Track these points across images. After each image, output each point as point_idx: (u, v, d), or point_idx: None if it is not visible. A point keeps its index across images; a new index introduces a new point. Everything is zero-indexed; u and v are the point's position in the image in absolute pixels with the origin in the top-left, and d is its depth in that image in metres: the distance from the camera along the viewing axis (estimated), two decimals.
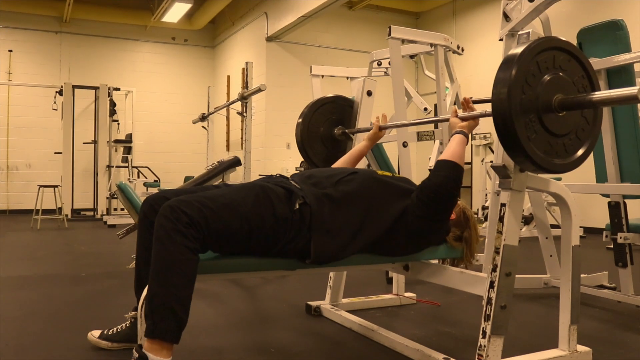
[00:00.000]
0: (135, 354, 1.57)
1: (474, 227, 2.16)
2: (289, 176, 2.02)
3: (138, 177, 9.90)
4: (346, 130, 2.88)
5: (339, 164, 2.52)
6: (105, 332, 2.17)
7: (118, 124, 9.89)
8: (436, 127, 3.62)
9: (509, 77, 1.58)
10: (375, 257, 2.03)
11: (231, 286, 3.48)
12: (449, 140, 2.04)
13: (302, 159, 7.15)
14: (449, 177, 1.91)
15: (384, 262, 2.11)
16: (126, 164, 9.60)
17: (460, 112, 2.08)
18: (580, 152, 1.74)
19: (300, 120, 2.87)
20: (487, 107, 1.76)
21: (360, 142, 2.67)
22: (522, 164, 1.72)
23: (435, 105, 4.13)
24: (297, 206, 1.80)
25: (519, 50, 1.61)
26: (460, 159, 1.94)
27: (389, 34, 3.28)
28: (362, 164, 2.82)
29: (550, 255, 3.21)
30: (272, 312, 2.88)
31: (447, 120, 2.15)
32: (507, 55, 1.63)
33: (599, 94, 1.63)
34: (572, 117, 1.69)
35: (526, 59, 1.59)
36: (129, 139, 9.90)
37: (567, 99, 1.65)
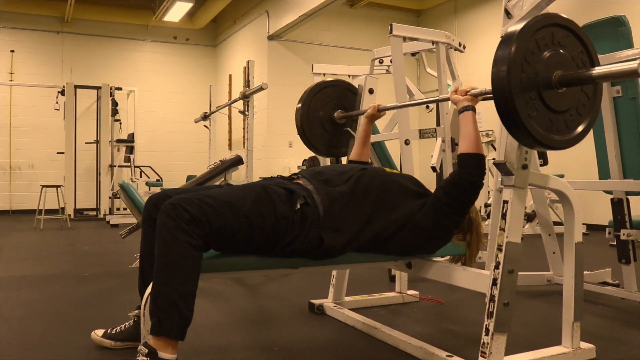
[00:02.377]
0: (144, 350, 1.57)
1: (476, 231, 2.15)
2: (294, 173, 2.03)
3: (140, 176, 9.90)
4: (347, 114, 2.85)
5: (354, 151, 2.54)
6: (108, 331, 2.17)
7: (120, 123, 9.89)
8: (438, 124, 3.61)
9: (508, 55, 1.57)
10: (379, 254, 2.03)
11: (234, 285, 3.48)
12: (456, 123, 2.02)
13: (305, 158, 7.15)
14: (477, 173, 1.91)
15: (386, 259, 2.11)
16: (128, 164, 9.60)
17: (461, 89, 2.04)
18: (581, 127, 1.74)
19: (299, 105, 2.84)
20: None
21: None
22: (524, 141, 1.72)
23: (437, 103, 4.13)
24: (298, 206, 1.80)
25: (517, 27, 1.60)
26: (480, 145, 1.93)
27: (391, 32, 3.27)
28: None
29: (553, 252, 3.21)
30: (275, 310, 2.88)
31: (446, 99, 2.13)
32: (506, 34, 1.63)
33: (598, 69, 1.62)
34: (572, 93, 1.69)
35: (525, 37, 1.59)
36: (131, 138, 9.91)
37: (567, 75, 1.64)
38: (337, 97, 2.89)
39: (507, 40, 1.60)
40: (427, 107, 4.85)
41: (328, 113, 2.87)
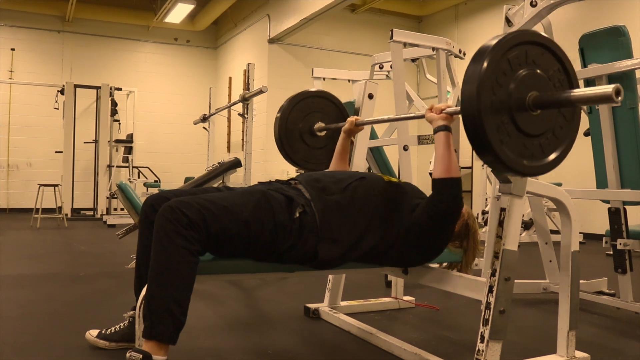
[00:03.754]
0: (137, 355, 1.56)
1: (473, 238, 2.13)
2: (292, 178, 2.02)
3: (138, 177, 9.90)
4: (327, 126, 2.79)
5: (332, 165, 2.51)
6: (103, 331, 2.16)
7: (119, 123, 9.88)
8: None
9: (479, 75, 1.47)
10: (375, 265, 2.02)
11: (230, 288, 3.48)
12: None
13: None
14: (452, 200, 1.85)
15: (383, 265, 2.11)
16: (127, 164, 9.60)
17: (436, 106, 1.94)
18: (557, 152, 1.63)
19: (278, 114, 2.74)
20: None
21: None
22: (494, 167, 1.63)
23: None
24: (297, 215, 1.80)
25: (489, 46, 1.50)
26: (454, 168, 1.84)
27: (391, 37, 3.28)
28: (362, 168, 2.82)
29: (550, 261, 3.21)
30: (270, 314, 2.88)
31: (422, 117, 2.03)
32: (475, 54, 1.53)
33: (577, 92, 1.50)
34: (548, 115, 1.59)
35: (496, 56, 1.49)
36: (129, 139, 9.90)
37: (542, 97, 1.54)
38: (318, 109, 2.80)
39: (477, 59, 1.51)
40: None
41: (308, 125, 2.77)
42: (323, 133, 2.82)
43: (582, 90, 1.50)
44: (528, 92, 1.54)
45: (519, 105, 1.53)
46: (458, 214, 1.91)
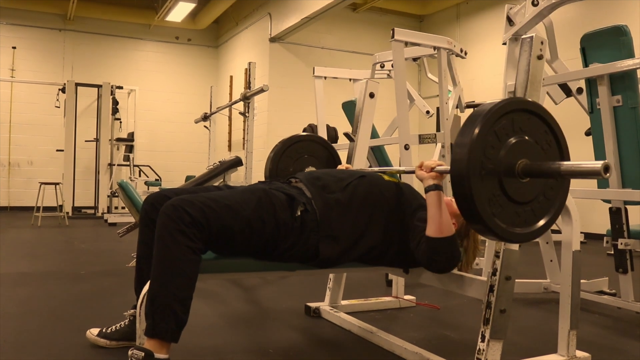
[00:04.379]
0: (139, 353, 1.56)
1: (473, 237, 2.12)
2: (292, 176, 2.02)
3: (139, 175, 9.90)
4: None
5: None
6: (104, 330, 2.16)
7: (120, 122, 9.89)
8: (438, 130, 3.62)
9: (467, 157, 1.46)
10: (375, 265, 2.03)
11: (231, 286, 3.48)
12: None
13: None
14: (449, 256, 1.81)
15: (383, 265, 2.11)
16: (128, 163, 9.61)
17: (426, 163, 1.89)
18: (548, 216, 1.62)
19: (271, 154, 2.76)
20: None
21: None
22: (486, 236, 1.63)
23: (438, 109, 4.13)
24: (299, 213, 1.80)
25: (478, 117, 1.50)
26: (448, 228, 1.80)
27: (393, 37, 3.28)
28: (363, 167, 2.82)
29: (551, 260, 3.21)
30: (271, 312, 2.88)
31: (412, 172, 2.02)
32: (460, 131, 1.52)
33: (566, 165, 1.50)
34: (538, 179, 1.58)
35: (482, 134, 1.49)
36: (130, 137, 9.91)
37: (532, 167, 1.53)
38: (309, 152, 2.81)
39: (460, 145, 1.50)
40: (428, 112, 4.85)
41: (298, 169, 2.78)
42: None
43: (570, 164, 1.50)
44: (517, 160, 1.54)
45: (508, 174, 1.53)
46: (456, 264, 1.88)
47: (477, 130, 1.48)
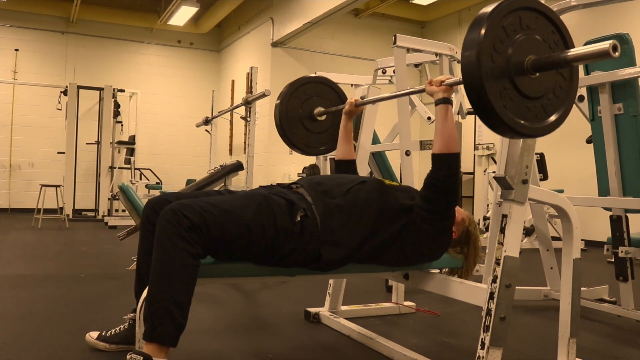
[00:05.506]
0: (138, 357, 1.56)
1: (474, 244, 2.13)
2: (293, 182, 2.02)
3: (140, 178, 9.91)
4: (326, 110, 2.81)
5: (339, 150, 2.50)
6: (103, 333, 2.16)
7: (122, 125, 9.90)
8: None
9: (477, 44, 1.49)
10: (376, 265, 2.03)
11: (231, 291, 3.48)
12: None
13: (305, 166, 7.15)
14: (450, 174, 1.87)
15: (384, 270, 2.11)
16: (129, 166, 9.61)
17: (436, 79, 1.95)
18: (558, 113, 1.65)
19: (278, 101, 2.76)
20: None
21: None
22: (501, 133, 1.65)
23: None
24: (298, 218, 1.80)
25: (485, 14, 1.53)
26: (454, 143, 1.87)
27: (394, 43, 3.28)
28: (365, 173, 2.82)
29: (551, 268, 3.21)
30: (271, 317, 2.88)
31: (422, 91, 2.05)
32: (472, 24, 1.55)
33: (573, 51, 1.53)
34: (547, 76, 1.61)
35: (491, 27, 1.52)
36: (132, 140, 9.91)
37: (540, 60, 1.56)
38: (317, 94, 2.81)
39: (474, 27, 1.54)
40: (429, 118, 4.85)
41: (307, 110, 2.79)
42: (323, 117, 2.83)
43: (578, 49, 1.52)
44: (526, 56, 1.56)
45: (518, 69, 1.56)
46: (455, 190, 1.91)
47: (486, 24, 1.51)
